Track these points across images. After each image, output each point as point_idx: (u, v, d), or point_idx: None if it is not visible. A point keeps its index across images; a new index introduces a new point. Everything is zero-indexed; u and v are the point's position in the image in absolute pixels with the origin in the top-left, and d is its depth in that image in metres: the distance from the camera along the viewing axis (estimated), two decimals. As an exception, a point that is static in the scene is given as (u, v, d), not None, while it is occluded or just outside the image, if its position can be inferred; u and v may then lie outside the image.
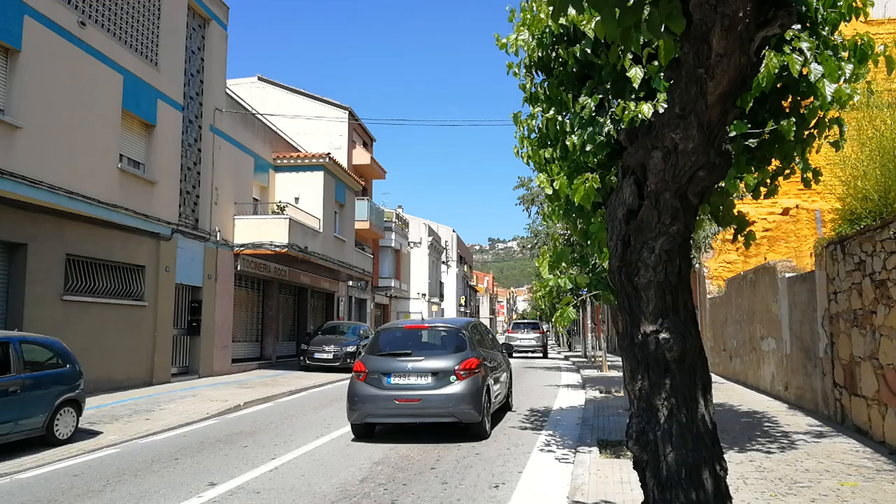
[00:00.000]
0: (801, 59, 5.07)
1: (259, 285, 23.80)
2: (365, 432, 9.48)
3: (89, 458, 8.23)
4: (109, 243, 14.62)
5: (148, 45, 15.95)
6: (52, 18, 12.65)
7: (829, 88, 5.12)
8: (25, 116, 11.91)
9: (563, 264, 12.55)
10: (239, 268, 20.70)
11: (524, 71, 6.85)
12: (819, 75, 5.16)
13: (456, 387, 9.01)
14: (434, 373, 9.11)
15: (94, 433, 9.55)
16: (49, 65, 12.58)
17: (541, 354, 33.85)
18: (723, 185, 5.41)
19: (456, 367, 9.14)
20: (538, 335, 34.19)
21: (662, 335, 2.96)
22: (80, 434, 9.29)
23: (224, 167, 20.03)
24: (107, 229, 14.39)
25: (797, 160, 5.79)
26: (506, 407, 12.01)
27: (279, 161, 24.30)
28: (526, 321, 40.77)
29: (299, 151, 26.08)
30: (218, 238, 19.53)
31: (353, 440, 9.33)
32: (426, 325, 11.02)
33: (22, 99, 11.92)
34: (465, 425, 9.24)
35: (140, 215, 15.23)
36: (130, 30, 15.29)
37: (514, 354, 30.21)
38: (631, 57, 5.54)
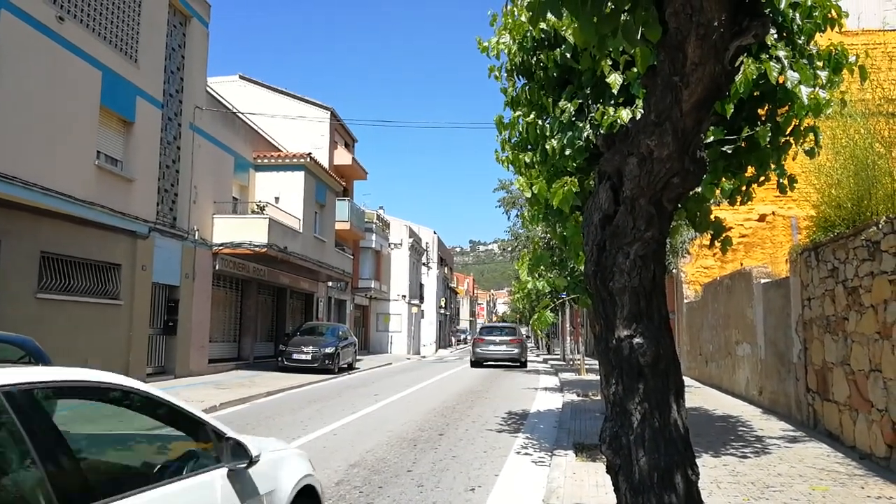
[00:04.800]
0: (778, 66, 5.16)
1: (238, 285, 23.61)
2: None
3: (60, 459, 8.08)
4: (85, 241, 14.41)
5: (128, 42, 15.75)
6: (29, 13, 12.42)
7: (804, 92, 5.21)
8: (0, 111, 11.70)
9: (542, 267, 12.60)
10: (217, 267, 20.50)
11: (505, 75, 6.88)
12: (795, 82, 5.24)
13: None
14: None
15: (66, 434, 9.38)
16: (26, 60, 12.38)
17: (518, 364, 28.14)
18: (699, 190, 5.49)
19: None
20: (515, 342, 28.12)
21: (636, 340, 2.98)
22: (52, 434, 9.11)
23: (203, 166, 19.83)
24: (83, 227, 14.17)
25: (773, 167, 5.88)
26: None
27: (260, 160, 24.13)
28: (500, 325, 35.52)
29: (280, 151, 25.92)
30: (196, 237, 19.32)
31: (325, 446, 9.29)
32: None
33: (-4, 93, 11.71)
34: None
35: (117, 213, 15.03)
36: (110, 25, 15.09)
37: (485, 363, 27.70)
38: (610, 63, 5.59)
